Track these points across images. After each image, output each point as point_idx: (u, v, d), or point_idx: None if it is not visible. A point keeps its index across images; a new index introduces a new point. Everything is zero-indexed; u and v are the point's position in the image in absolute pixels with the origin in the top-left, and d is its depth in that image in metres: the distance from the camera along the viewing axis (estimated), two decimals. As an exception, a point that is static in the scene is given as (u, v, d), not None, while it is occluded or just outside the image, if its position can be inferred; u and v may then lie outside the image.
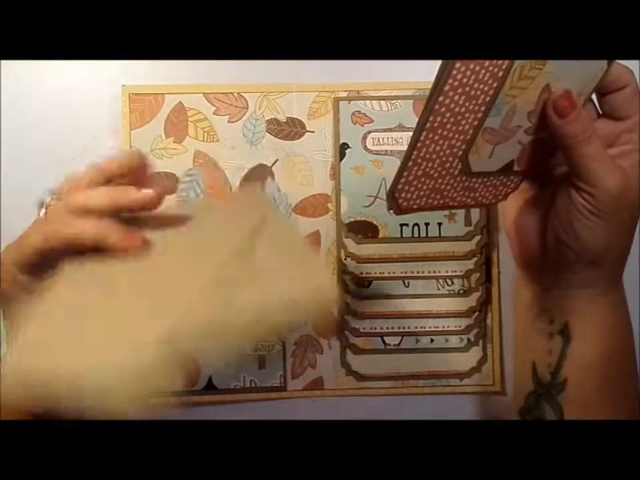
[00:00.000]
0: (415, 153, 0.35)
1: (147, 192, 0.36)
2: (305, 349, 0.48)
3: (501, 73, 0.34)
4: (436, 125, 0.34)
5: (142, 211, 0.37)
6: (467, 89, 0.33)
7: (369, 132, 0.48)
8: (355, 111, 0.48)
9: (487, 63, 0.33)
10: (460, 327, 0.49)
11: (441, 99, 0.33)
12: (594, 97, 0.38)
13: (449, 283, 0.49)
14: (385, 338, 0.49)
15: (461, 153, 0.36)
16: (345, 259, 0.49)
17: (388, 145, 0.49)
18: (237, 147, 0.48)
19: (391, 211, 0.37)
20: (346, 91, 0.48)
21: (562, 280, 0.38)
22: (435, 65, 0.47)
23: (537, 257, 0.40)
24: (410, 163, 0.35)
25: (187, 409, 0.48)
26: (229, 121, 0.48)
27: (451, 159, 0.36)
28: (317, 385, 0.49)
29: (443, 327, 0.49)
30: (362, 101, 0.48)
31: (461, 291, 0.49)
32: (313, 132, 0.48)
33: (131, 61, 0.48)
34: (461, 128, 0.35)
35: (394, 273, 0.49)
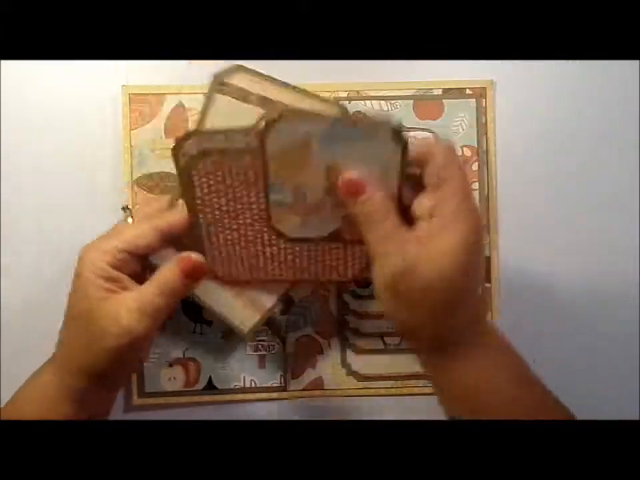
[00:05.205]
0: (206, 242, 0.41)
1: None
2: (305, 348, 0.48)
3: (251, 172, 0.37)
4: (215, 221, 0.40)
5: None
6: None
7: (369, 132, 0.48)
8: (355, 111, 0.48)
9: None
10: (460, 327, 0.49)
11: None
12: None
13: (449, 283, 0.49)
14: (384, 338, 0.49)
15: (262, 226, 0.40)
16: (345, 259, 0.49)
17: (388, 145, 0.48)
18: (237, 146, 0.48)
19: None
20: (346, 91, 0.48)
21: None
22: (435, 64, 0.47)
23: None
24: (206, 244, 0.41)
25: (187, 409, 0.48)
26: (229, 121, 0.48)
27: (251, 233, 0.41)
28: (317, 384, 0.49)
29: (443, 327, 0.49)
30: (362, 101, 0.48)
31: (461, 291, 0.49)
32: (313, 132, 0.48)
33: (131, 61, 0.47)
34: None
35: (394, 273, 0.49)
